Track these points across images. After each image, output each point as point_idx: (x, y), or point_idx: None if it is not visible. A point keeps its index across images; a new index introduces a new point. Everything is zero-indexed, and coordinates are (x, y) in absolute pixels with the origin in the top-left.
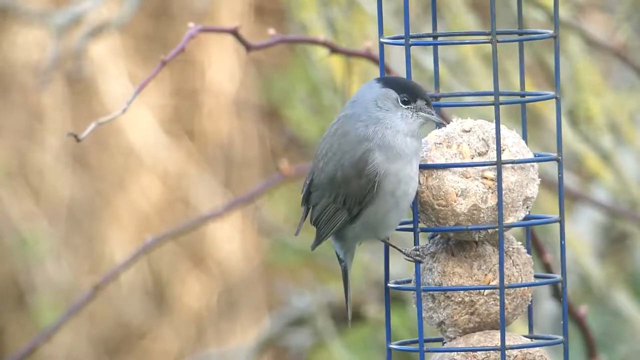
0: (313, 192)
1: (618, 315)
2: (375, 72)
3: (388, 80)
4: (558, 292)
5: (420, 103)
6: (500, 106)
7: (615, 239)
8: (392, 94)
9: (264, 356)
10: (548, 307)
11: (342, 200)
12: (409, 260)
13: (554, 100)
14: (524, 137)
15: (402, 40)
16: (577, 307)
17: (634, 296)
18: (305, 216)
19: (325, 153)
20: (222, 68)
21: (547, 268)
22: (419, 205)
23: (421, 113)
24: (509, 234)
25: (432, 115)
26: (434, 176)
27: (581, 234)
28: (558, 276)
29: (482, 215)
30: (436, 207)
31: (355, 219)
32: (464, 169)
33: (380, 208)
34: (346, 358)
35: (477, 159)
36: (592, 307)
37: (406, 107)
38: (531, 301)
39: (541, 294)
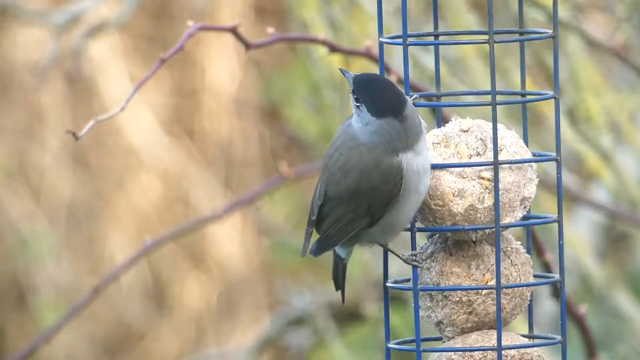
0: (325, 205)
1: (618, 315)
2: (375, 70)
3: (380, 110)
4: (557, 292)
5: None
6: (502, 105)
7: (615, 238)
8: (404, 111)
9: (264, 356)
10: (548, 307)
11: (365, 208)
12: (407, 264)
13: (553, 99)
14: (525, 137)
15: (401, 40)
16: (577, 307)
17: (634, 296)
18: (311, 234)
19: (341, 165)
20: (222, 68)
21: (547, 267)
22: None
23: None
24: (507, 234)
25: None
26: (431, 176)
27: (581, 233)
28: (557, 276)
29: (479, 215)
30: (433, 207)
31: (375, 223)
32: (461, 169)
33: (406, 207)
34: (346, 357)
35: (475, 159)
36: (592, 307)
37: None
38: (531, 300)
39: (541, 293)
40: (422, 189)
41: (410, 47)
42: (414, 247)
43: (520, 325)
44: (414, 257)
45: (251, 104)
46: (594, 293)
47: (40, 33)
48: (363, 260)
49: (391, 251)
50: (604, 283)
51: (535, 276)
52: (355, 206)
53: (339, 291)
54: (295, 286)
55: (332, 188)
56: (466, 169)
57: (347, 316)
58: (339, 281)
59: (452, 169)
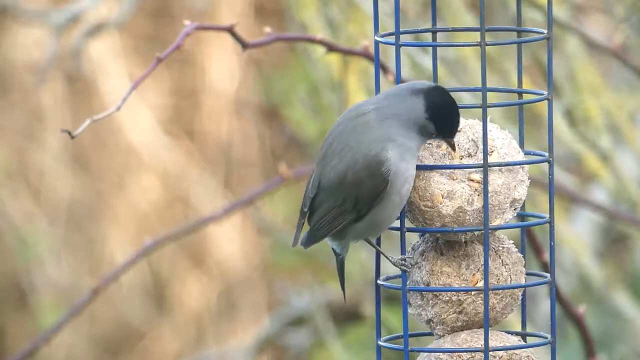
0: (317, 196)
1: (617, 316)
2: (373, 69)
3: (436, 112)
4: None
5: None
6: (498, 106)
7: (614, 239)
8: (431, 128)
9: (263, 356)
10: (546, 307)
11: (352, 202)
12: (396, 267)
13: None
14: (520, 138)
15: (394, 40)
16: (575, 307)
17: (634, 296)
18: (302, 225)
19: (340, 149)
20: (222, 68)
21: (545, 268)
22: (406, 205)
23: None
24: (499, 233)
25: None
26: (421, 177)
27: (580, 234)
28: (548, 276)
29: (467, 217)
30: (422, 207)
31: (361, 219)
32: (451, 170)
33: (388, 206)
34: (345, 358)
35: (465, 160)
36: (591, 307)
37: (429, 140)
38: (524, 298)
39: (540, 293)
40: (404, 193)
41: (408, 48)
42: (403, 250)
43: (515, 321)
44: (403, 262)
45: (251, 104)
46: (593, 293)
47: (40, 33)
48: (361, 259)
49: (382, 253)
50: (603, 283)
51: (528, 274)
52: (344, 199)
53: (342, 290)
54: (294, 286)
55: (325, 177)
56: (456, 170)
57: (346, 316)
58: (342, 279)
59: (442, 170)
